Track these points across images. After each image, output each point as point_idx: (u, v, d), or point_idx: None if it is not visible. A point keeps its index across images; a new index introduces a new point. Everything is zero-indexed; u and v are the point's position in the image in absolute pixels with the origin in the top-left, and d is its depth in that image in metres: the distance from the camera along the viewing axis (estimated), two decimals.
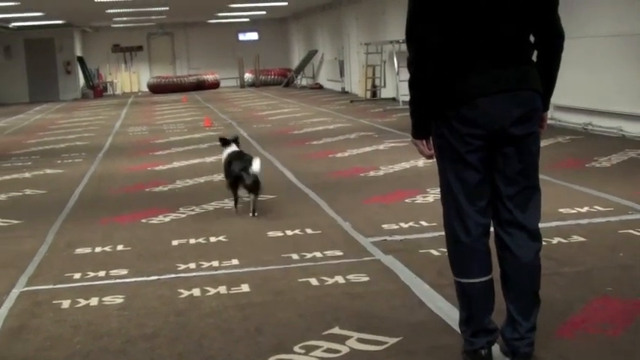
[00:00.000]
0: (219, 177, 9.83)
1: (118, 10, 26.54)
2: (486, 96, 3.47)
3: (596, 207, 6.97)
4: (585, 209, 6.89)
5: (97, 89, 34.24)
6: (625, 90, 11.61)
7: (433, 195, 7.77)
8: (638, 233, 6.05)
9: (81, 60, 34.08)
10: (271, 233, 6.72)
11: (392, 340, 4.14)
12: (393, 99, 21.41)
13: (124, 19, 31.08)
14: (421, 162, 9.92)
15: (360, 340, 4.17)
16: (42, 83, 33.15)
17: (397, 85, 19.98)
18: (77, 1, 22.78)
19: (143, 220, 7.52)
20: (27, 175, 11.11)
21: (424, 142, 3.71)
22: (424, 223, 6.73)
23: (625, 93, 11.60)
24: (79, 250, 6.46)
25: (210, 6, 27.72)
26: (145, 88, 35.29)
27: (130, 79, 36.96)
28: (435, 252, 5.75)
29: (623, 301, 4.54)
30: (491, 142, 3.54)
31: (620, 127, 11.64)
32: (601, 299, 4.56)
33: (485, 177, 3.61)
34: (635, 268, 5.23)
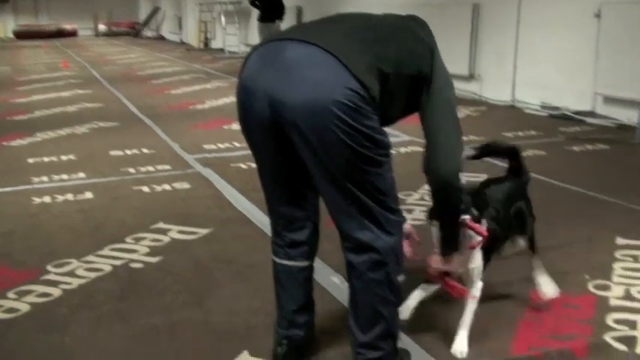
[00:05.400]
0: (72, 108, 9.51)
1: None
2: None
3: None
4: None
5: None
6: None
7: None
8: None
9: None
10: (113, 152, 6.58)
11: (204, 231, 4.25)
12: (222, 49, 21.10)
13: None
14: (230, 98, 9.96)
15: (180, 232, 4.25)
16: None
17: (224, 37, 19.73)
18: None
19: (4, 144, 7.13)
20: None
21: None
22: (236, 144, 6.80)
23: None
24: None
25: None
26: (11, 35, 32.81)
27: None
28: (243, 165, 5.85)
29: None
30: None
31: None
32: None
33: None
34: None
